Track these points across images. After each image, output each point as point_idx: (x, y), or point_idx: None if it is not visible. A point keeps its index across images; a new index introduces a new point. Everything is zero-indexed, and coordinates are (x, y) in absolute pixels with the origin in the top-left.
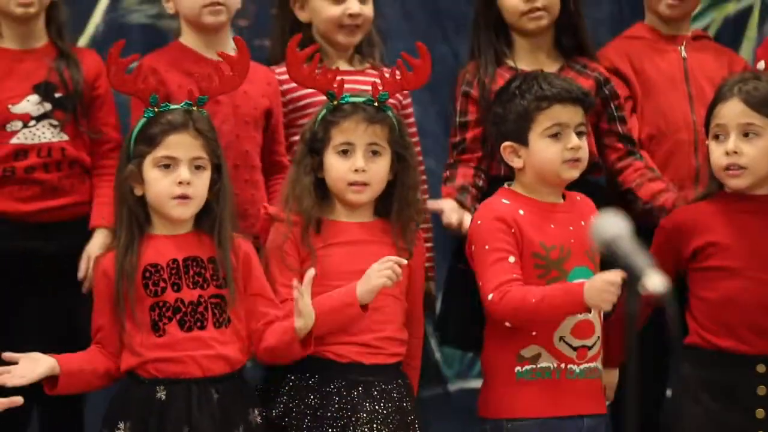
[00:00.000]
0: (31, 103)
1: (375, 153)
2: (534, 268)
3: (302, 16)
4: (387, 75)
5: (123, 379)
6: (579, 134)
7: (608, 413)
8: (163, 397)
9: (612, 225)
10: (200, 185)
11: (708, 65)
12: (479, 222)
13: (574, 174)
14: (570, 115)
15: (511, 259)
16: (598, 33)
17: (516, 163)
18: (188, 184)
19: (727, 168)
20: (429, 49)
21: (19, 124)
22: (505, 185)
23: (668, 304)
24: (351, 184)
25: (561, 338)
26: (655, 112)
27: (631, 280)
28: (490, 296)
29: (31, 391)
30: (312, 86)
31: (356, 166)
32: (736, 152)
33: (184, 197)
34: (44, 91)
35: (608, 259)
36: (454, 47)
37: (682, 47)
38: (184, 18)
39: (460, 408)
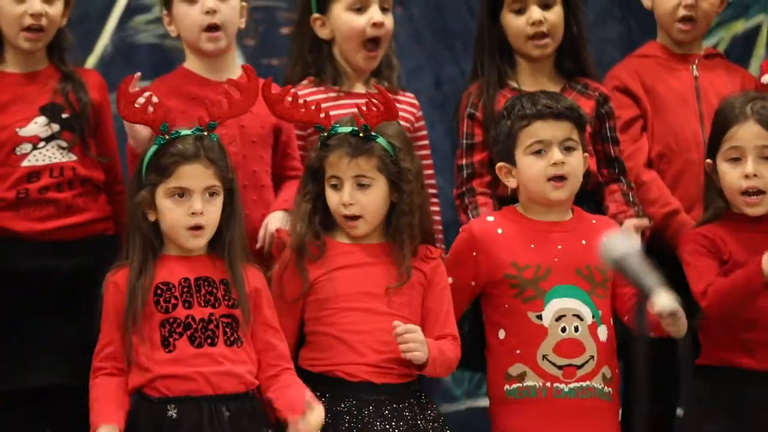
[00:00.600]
0: (38, 125)
1: (362, 185)
2: (510, 288)
3: (323, 33)
4: (364, 108)
5: (133, 396)
6: (567, 149)
7: None
8: (174, 415)
9: (621, 244)
10: (213, 212)
11: (720, 84)
12: (456, 240)
13: (560, 195)
14: (553, 131)
15: (449, 279)
16: (606, 53)
17: (511, 183)
18: (201, 214)
19: (746, 191)
20: (438, 69)
21: (29, 146)
22: (515, 205)
23: (677, 323)
24: (344, 216)
25: (544, 357)
26: (665, 131)
27: (641, 299)
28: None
29: (43, 409)
30: (298, 120)
31: (343, 200)
32: (756, 175)
33: (197, 227)
34: (51, 112)
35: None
36: (463, 67)
37: (694, 66)
38: (185, 43)
39: (469, 427)
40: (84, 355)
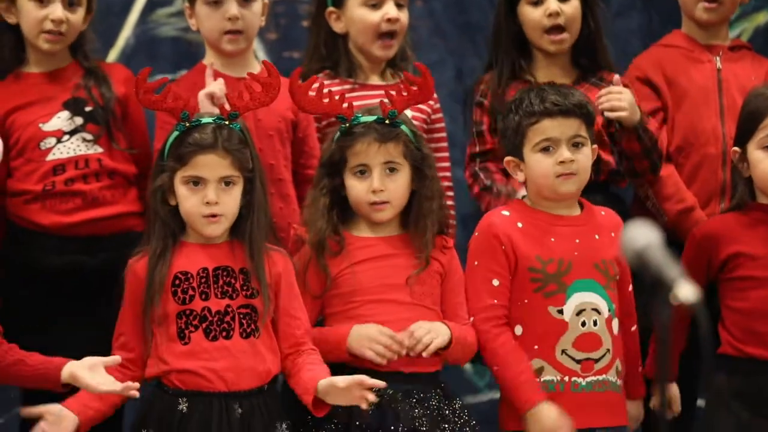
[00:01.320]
0: (61, 120)
1: (392, 170)
2: (530, 282)
3: (338, 27)
4: (393, 93)
5: (150, 383)
6: (576, 145)
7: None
8: (185, 409)
9: (642, 235)
10: (230, 202)
11: (744, 76)
12: (476, 234)
13: (570, 188)
14: (561, 128)
15: (496, 282)
16: (628, 44)
17: (519, 177)
18: (216, 203)
19: None
20: (460, 62)
21: (53, 140)
22: (521, 197)
23: (699, 314)
24: (372, 204)
25: (563, 351)
26: (685, 124)
27: (662, 291)
28: (471, 318)
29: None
30: (321, 112)
31: (374, 187)
32: None
33: (213, 216)
34: (73, 106)
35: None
36: (484, 60)
37: (718, 58)
38: (205, 40)
39: (491, 418)
40: (108, 353)
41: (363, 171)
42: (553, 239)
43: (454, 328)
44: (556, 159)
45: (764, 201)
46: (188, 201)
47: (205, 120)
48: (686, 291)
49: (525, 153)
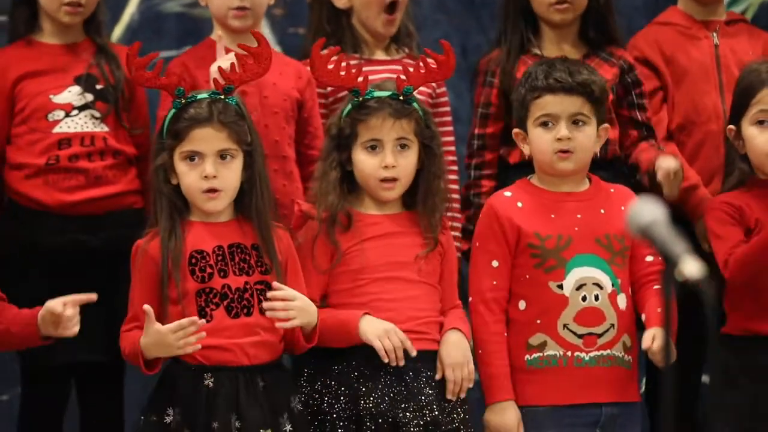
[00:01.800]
0: (72, 94)
1: (403, 147)
2: (531, 258)
3: (340, 2)
4: (411, 69)
5: (166, 363)
6: (576, 123)
7: (641, 401)
8: (211, 384)
9: (648, 211)
10: (229, 176)
11: (741, 51)
12: (481, 215)
13: (567, 166)
14: (562, 105)
15: (495, 263)
16: (633, 20)
17: (525, 150)
18: (214, 177)
19: None
20: (464, 38)
21: (62, 113)
22: (528, 177)
23: (705, 290)
24: (382, 180)
25: (565, 326)
26: (685, 102)
27: (668, 267)
28: (471, 298)
29: (71, 371)
30: (337, 84)
31: (386, 162)
32: None
33: (212, 190)
34: (85, 82)
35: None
36: (489, 37)
37: (715, 33)
38: (213, 16)
39: None
40: (112, 332)
41: (374, 146)
42: (553, 215)
43: (460, 325)
44: (554, 135)
45: (762, 177)
46: (187, 177)
47: (200, 95)
48: (691, 267)
49: (528, 126)
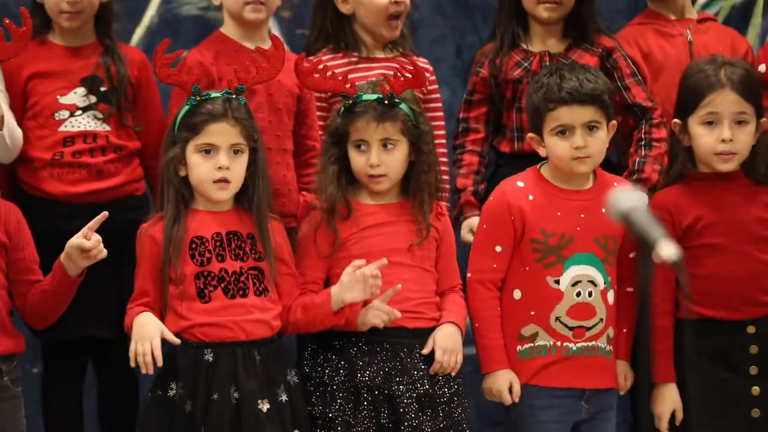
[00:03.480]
0: (77, 95)
1: (389, 146)
2: (533, 252)
3: (344, 8)
4: (392, 78)
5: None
6: (591, 128)
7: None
8: (211, 359)
9: (628, 198)
10: (238, 168)
11: (713, 47)
12: (491, 198)
13: (585, 168)
14: (576, 115)
15: (498, 248)
16: (614, 22)
17: (541, 152)
18: (227, 168)
19: (720, 153)
20: (459, 38)
21: (66, 113)
22: (538, 165)
23: (681, 272)
24: (370, 176)
25: (557, 318)
26: (663, 94)
27: (646, 250)
28: (469, 274)
29: (88, 348)
30: (325, 90)
31: (371, 161)
32: (732, 140)
33: (223, 180)
34: (90, 84)
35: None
36: (482, 36)
37: (689, 31)
38: (227, 10)
39: None
40: (118, 309)
41: (360, 145)
42: (559, 213)
43: (457, 319)
44: (572, 143)
45: (705, 170)
46: (200, 168)
47: (214, 94)
48: (668, 250)
49: (544, 134)
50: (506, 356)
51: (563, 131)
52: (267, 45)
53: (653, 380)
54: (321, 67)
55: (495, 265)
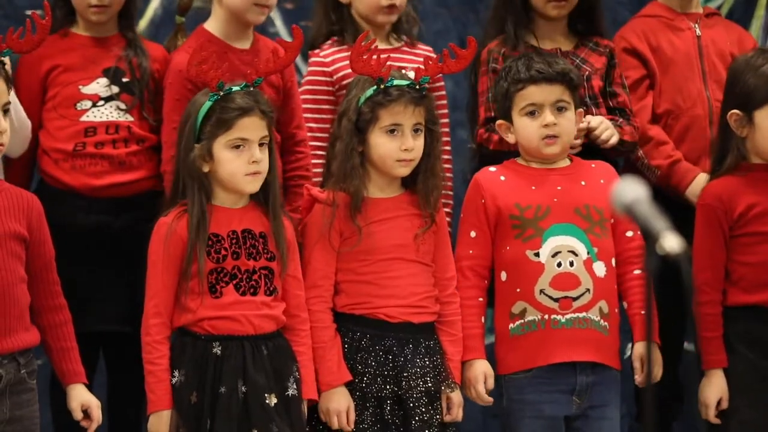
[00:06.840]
0: (100, 85)
1: (417, 131)
2: (512, 229)
3: None
4: (430, 62)
5: (175, 334)
6: (559, 109)
7: (620, 370)
8: (219, 352)
9: (631, 190)
10: (266, 160)
11: (720, 42)
12: (468, 188)
13: (554, 149)
14: (545, 94)
15: (473, 233)
16: (618, 14)
17: (510, 138)
18: (261, 161)
19: None
20: (462, 30)
21: (89, 103)
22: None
23: (684, 264)
24: (399, 160)
25: (541, 291)
26: (671, 88)
27: (650, 242)
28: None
29: (99, 342)
30: (366, 72)
31: (406, 145)
32: None
33: (255, 173)
34: (113, 75)
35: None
36: (486, 29)
37: (696, 25)
38: (228, 8)
39: (490, 359)
40: (132, 304)
41: (393, 130)
42: (534, 187)
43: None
44: (540, 122)
45: (757, 161)
46: (232, 163)
47: (235, 88)
48: (672, 241)
49: (513, 117)
50: (482, 346)
51: (532, 112)
52: (250, 43)
53: (702, 367)
54: (371, 50)
55: (471, 251)
